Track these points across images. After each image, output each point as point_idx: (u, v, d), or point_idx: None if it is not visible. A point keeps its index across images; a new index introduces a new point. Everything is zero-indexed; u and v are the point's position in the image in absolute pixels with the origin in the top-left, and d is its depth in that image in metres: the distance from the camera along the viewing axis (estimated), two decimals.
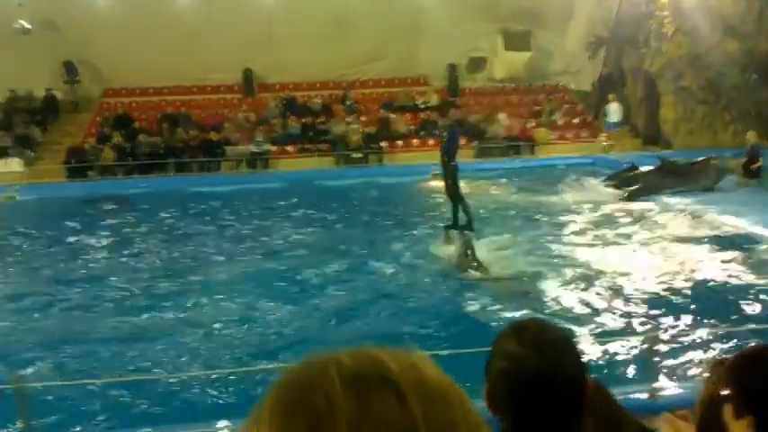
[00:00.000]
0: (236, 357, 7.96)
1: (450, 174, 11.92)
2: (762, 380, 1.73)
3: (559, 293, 9.70)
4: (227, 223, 15.97)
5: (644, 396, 5.71)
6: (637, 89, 25.17)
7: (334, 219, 15.98)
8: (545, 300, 9.50)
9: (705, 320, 8.53)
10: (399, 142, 24.66)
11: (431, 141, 24.76)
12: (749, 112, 22.14)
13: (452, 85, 27.86)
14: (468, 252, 11.01)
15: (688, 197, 16.03)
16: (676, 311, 8.71)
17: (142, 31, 24.45)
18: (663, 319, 8.51)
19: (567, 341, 1.71)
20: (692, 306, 8.96)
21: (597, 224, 14.23)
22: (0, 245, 14.82)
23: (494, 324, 8.25)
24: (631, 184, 17.37)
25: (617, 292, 9.73)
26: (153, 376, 7.36)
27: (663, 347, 7.14)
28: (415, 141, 24.81)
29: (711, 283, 9.93)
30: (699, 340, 7.73)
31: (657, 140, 23.81)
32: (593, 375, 1.80)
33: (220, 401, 6.83)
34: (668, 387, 6.07)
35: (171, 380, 7.31)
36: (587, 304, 9.27)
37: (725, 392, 1.75)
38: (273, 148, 23.99)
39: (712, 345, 7.53)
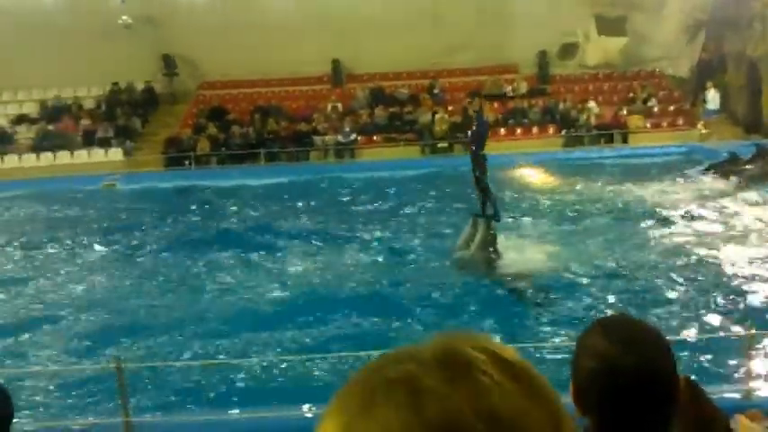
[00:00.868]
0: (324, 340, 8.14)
1: (479, 164, 11.63)
2: None
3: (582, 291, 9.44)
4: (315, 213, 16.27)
5: (737, 396, 5.52)
6: (738, 75, 24.00)
7: (396, 207, 15.94)
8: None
9: None
10: None
11: (519, 130, 24.47)
12: None
13: (542, 72, 27.33)
14: (490, 242, 10.99)
15: None
16: None
17: (237, 26, 25.16)
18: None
19: (658, 337, 1.65)
20: None
21: (693, 217, 13.68)
22: (101, 230, 15.61)
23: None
24: (738, 173, 16.59)
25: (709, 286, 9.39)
26: (245, 360, 7.62)
27: (761, 346, 6.84)
28: (502, 130, 24.52)
29: None
30: None
31: (759, 128, 22.65)
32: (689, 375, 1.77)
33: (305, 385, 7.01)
34: (763, 387, 5.84)
35: (261, 363, 7.53)
36: (666, 300, 8.99)
37: None
38: (360, 138, 24.24)
39: None
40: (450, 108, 25.50)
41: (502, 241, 11.56)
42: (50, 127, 25.17)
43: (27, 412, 6.19)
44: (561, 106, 24.90)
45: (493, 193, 11.79)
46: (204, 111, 26.16)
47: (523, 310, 9.35)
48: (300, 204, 17.29)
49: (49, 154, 24.02)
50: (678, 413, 1.62)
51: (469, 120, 24.42)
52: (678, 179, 17.84)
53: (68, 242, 14.54)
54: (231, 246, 13.40)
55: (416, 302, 9.44)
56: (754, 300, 8.97)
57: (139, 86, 27.05)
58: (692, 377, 1.87)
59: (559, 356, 6.37)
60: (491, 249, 11.02)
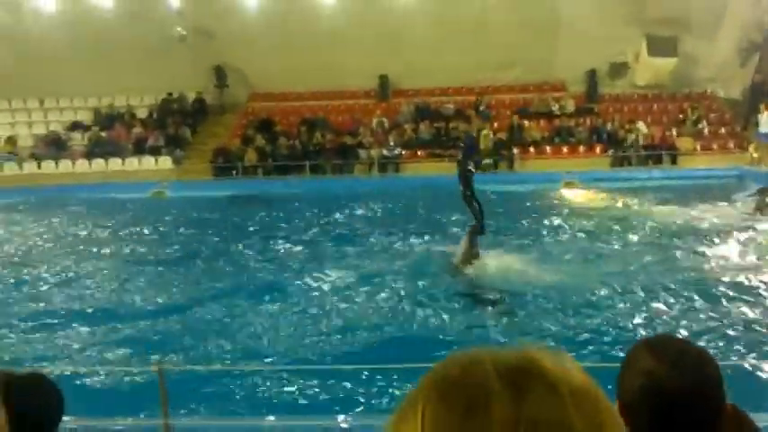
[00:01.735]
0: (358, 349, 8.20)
1: (464, 179, 12.08)
2: None
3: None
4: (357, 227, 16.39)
5: None
6: None
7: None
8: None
9: None
10: (531, 149, 24.32)
11: (565, 149, 24.30)
12: None
13: (591, 91, 27.11)
14: (474, 254, 11.41)
15: None
16: None
17: (286, 39, 25.58)
18: None
19: (706, 357, 1.64)
20: None
21: (722, 243, 13.34)
22: (149, 236, 15.98)
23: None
24: None
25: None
26: (285, 367, 7.71)
27: None
28: (548, 148, 24.39)
29: None
30: None
31: None
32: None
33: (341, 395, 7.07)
34: None
35: (302, 371, 7.61)
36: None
37: None
38: (404, 153, 24.35)
39: None
40: (495, 125, 25.45)
41: (499, 256, 11.97)
42: (103, 134, 25.89)
43: (69, 410, 6.35)
44: (609, 126, 24.65)
45: (476, 207, 12.16)
46: (253, 122, 26.59)
47: (482, 321, 9.44)
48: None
49: (101, 161, 24.70)
50: None
51: (515, 135, 24.44)
52: (723, 204, 17.47)
53: (117, 248, 14.91)
54: (278, 254, 13.61)
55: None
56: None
57: (191, 97, 27.63)
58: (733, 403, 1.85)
59: None
60: (473, 262, 11.45)
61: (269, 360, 8.16)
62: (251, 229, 16.56)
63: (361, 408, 6.78)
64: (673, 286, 10.61)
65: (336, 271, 12.04)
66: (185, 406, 6.87)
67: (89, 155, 25.10)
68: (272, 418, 6.27)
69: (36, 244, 15.68)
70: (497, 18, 25.36)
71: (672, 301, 10.03)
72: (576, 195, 19.81)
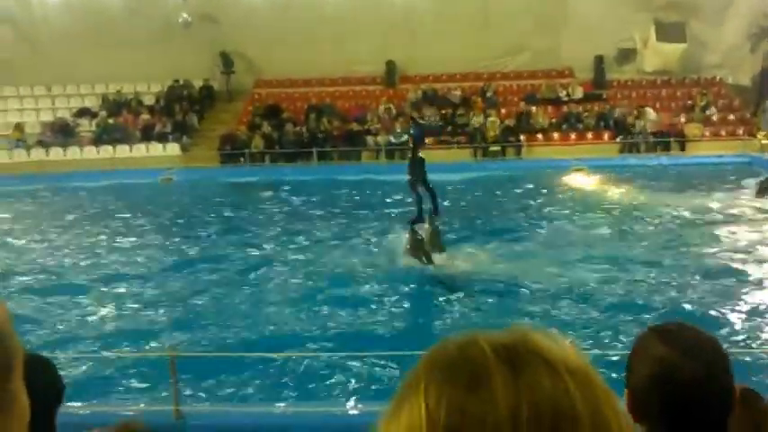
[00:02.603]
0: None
1: (414, 168, 12.19)
2: None
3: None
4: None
5: None
6: None
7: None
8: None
9: None
10: (539, 136, 24.26)
11: (573, 136, 24.22)
12: None
13: (599, 78, 26.98)
14: (419, 242, 11.65)
15: None
16: None
17: (293, 25, 25.50)
18: None
19: (717, 345, 1.62)
20: None
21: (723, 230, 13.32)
22: (158, 223, 16.03)
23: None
24: None
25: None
26: (295, 354, 7.77)
27: None
28: (555, 135, 24.32)
29: None
30: None
31: None
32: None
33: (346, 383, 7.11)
34: None
35: (312, 358, 7.66)
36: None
37: None
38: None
39: None
40: (503, 111, 25.37)
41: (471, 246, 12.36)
42: (111, 121, 25.91)
43: (79, 397, 6.40)
44: (617, 112, 24.55)
45: (419, 196, 12.30)
46: (259, 109, 26.56)
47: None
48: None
49: (109, 147, 24.74)
50: (736, 422, 1.60)
51: (523, 122, 24.38)
52: (731, 190, 17.42)
53: (125, 234, 14.98)
54: (287, 240, 13.66)
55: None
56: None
57: (198, 83, 27.62)
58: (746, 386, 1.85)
59: None
60: (421, 253, 11.60)
61: (279, 347, 8.21)
62: (259, 215, 16.60)
63: (366, 395, 6.82)
64: (677, 272, 10.63)
65: (334, 257, 12.11)
66: (196, 392, 6.93)
67: (97, 141, 25.13)
68: (281, 404, 6.33)
69: (43, 230, 15.75)
70: (505, 4, 25.24)
71: (677, 286, 10.05)
72: (583, 182, 19.77)
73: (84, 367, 7.67)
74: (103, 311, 9.81)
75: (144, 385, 7.23)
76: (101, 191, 20.42)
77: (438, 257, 11.50)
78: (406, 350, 7.36)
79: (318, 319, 9.14)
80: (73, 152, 24.76)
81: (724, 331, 8.04)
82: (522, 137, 23.80)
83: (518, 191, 18.80)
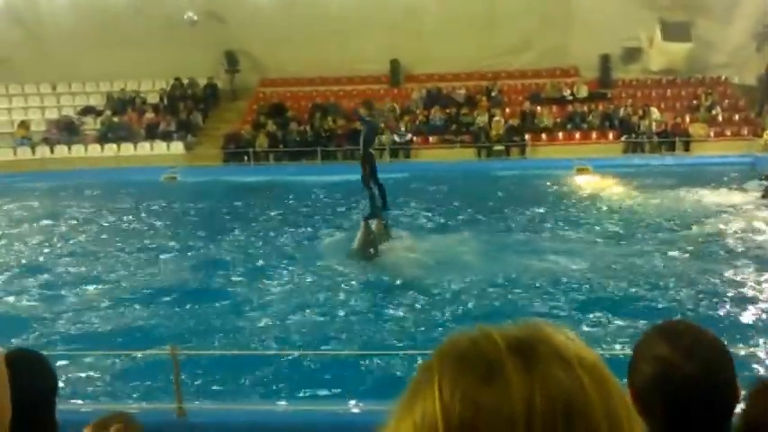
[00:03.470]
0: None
1: (365, 164, 12.71)
2: None
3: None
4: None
5: None
6: None
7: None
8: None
9: None
10: (543, 135, 24.22)
11: (577, 135, 24.18)
12: None
13: (604, 77, 26.91)
14: (371, 237, 11.99)
15: None
16: None
17: (298, 24, 25.51)
18: None
19: (719, 343, 1.63)
20: None
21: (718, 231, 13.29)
22: (162, 221, 16.05)
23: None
24: None
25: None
26: (297, 352, 7.77)
27: None
28: (560, 135, 24.28)
29: None
30: None
31: None
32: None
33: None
34: None
35: (314, 357, 7.66)
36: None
37: None
38: (416, 139, 24.30)
39: None
40: (507, 110, 25.34)
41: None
42: (115, 119, 25.95)
43: (83, 395, 6.41)
44: (622, 112, 24.50)
45: (374, 192, 12.70)
46: (264, 107, 26.57)
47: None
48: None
49: (114, 145, 24.78)
50: (755, 416, 1.62)
51: (528, 122, 24.35)
52: (735, 190, 17.37)
53: (129, 232, 15.01)
54: (289, 238, 13.68)
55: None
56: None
57: (202, 82, 27.64)
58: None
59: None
60: (371, 248, 11.97)
61: (281, 345, 8.21)
62: (260, 214, 16.61)
63: (370, 393, 6.82)
64: (678, 272, 10.61)
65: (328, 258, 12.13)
66: (198, 390, 6.94)
67: (101, 139, 25.18)
68: (283, 403, 6.33)
69: (47, 228, 15.79)
70: (511, 2, 25.18)
71: (676, 286, 10.03)
72: (587, 182, 19.75)
73: (86, 365, 7.68)
74: (106, 309, 9.82)
75: (147, 383, 7.23)
76: (104, 188, 20.45)
77: (386, 248, 12.00)
78: (413, 349, 7.42)
79: (323, 317, 9.14)
80: (77, 150, 24.81)
81: (728, 331, 8.01)
82: (526, 136, 23.77)
83: (521, 190, 18.76)
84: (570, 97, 25.79)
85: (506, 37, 26.07)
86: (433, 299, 9.72)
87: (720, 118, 24.26)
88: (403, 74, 27.76)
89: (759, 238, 12.78)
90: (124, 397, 7.01)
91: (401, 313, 9.24)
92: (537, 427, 0.65)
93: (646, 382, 1.57)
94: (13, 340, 7.83)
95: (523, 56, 27.10)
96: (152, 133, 25.39)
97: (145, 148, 24.84)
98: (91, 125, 26.25)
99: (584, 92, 25.93)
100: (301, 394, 6.78)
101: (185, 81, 27.55)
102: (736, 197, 16.56)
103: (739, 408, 1.65)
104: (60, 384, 2.10)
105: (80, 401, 6.11)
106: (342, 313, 9.35)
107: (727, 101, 25.34)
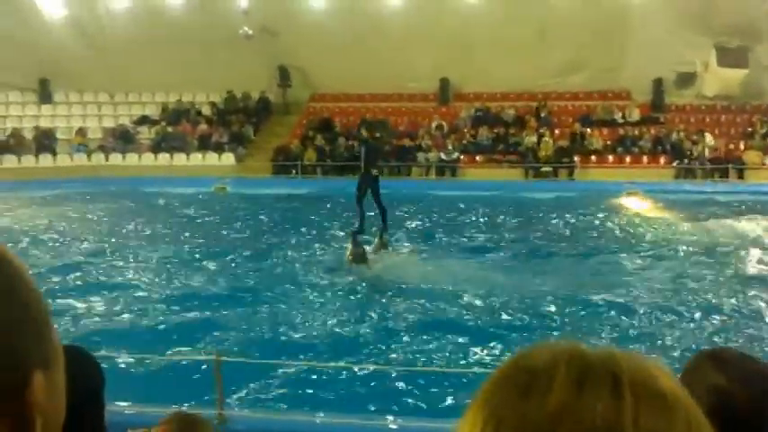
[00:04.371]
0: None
1: (361, 183, 12.97)
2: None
3: None
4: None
5: None
6: None
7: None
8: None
9: None
10: (593, 157, 23.97)
11: (628, 158, 23.87)
12: None
13: (657, 101, 26.55)
14: (360, 253, 12.35)
15: None
16: None
17: (350, 41, 25.80)
18: None
19: None
20: None
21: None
22: (212, 230, 16.32)
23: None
24: None
25: None
26: (342, 364, 7.81)
27: None
28: (610, 158, 24.00)
29: None
30: None
31: None
32: None
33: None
34: None
35: (358, 370, 7.69)
36: None
37: None
38: (462, 157, 24.30)
39: None
40: (557, 132, 25.17)
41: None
42: (170, 129, 26.56)
43: (124, 397, 6.53)
44: (674, 136, 24.11)
45: (363, 210, 12.97)
46: (313, 122, 26.89)
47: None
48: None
49: (167, 155, 25.35)
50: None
51: (577, 143, 24.14)
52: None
53: (178, 239, 15.29)
54: (338, 248, 13.78)
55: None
56: None
57: (255, 95, 28.12)
58: None
59: None
60: (362, 262, 12.27)
61: (323, 356, 8.26)
62: (308, 226, 16.76)
63: (410, 408, 6.81)
64: (723, 302, 10.36)
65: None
66: (240, 397, 7.02)
67: (155, 149, 25.79)
68: (322, 414, 6.36)
69: (98, 232, 16.19)
70: (563, 23, 25.04)
71: (723, 314, 9.80)
72: (635, 205, 19.45)
73: (130, 367, 7.83)
74: (152, 313, 10.01)
75: (189, 388, 7.34)
76: (156, 196, 20.90)
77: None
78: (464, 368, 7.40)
79: (370, 329, 9.16)
80: (131, 158, 25.44)
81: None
82: (575, 158, 23.55)
83: (566, 212, 18.56)
84: (621, 120, 25.50)
85: (558, 58, 25.92)
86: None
87: None
88: (452, 92, 27.82)
89: None
90: (166, 401, 7.12)
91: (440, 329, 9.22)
92: None
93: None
94: (63, 340, 8.01)
95: (575, 77, 26.90)
96: (204, 144, 25.90)
97: (197, 158, 25.36)
98: (145, 134, 26.93)
99: (635, 115, 25.62)
100: (343, 407, 6.80)
101: (239, 94, 28.07)
102: None
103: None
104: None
105: (122, 403, 6.21)
106: (381, 327, 9.37)
107: None
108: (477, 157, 24.45)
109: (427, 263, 12.82)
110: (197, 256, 13.68)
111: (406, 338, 8.84)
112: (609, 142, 24.60)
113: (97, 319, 9.81)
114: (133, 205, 19.83)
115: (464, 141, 25.04)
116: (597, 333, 8.98)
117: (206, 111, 27.99)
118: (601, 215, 18.12)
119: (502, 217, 17.72)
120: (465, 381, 6.94)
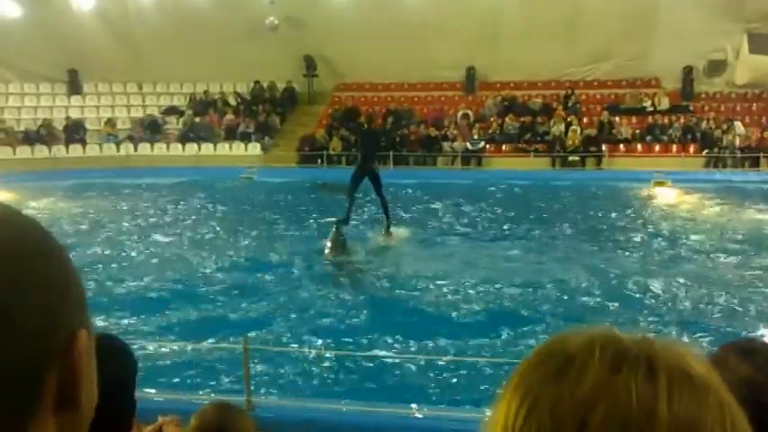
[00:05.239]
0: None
1: (358, 175, 13.27)
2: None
3: None
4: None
5: None
6: None
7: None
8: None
9: None
10: (621, 146, 23.72)
11: (657, 147, 23.59)
12: None
13: (686, 89, 26.16)
14: (342, 242, 12.46)
15: None
16: None
17: (375, 30, 25.71)
18: None
19: None
20: None
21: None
22: (240, 219, 16.47)
23: None
24: None
25: None
26: (372, 353, 7.86)
27: None
28: (639, 146, 23.73)
29: None
30: None
31: None
32: None
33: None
34: None
35: (387, 359, 7.74)
36: None
37: None
38: (489, 147, 24.18)
39: None
40: (584, 120, 24.93)
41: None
42: (197, 119, 26.76)
43: (153, 383, 6.62)
44: (704, 125, 23.77)
45: (352, 199, 13.17)
46: (338, 112, 26.91)
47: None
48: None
49: (194, 145, 25.57)
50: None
51: (605, 132, 23.89)
52: None
53: (206, 228, 15.45)
54: (364, 239, 13.86)
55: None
56: None
57: (281, 85, 28.21)
58: None
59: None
60: (341, 253, 12.33)
61: (350, 345, 8.31)
62: (334, 215, 16.81)
63: (438, 398, 6.84)
64: (753, 291, 10.24)
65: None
66: (268, 384, 7.11)
67: (183, 139, 26.02)
68: (350, 402, 6.41)
69: (128, 221, 16.42)
70: (590, 11, 24.70)
71: (750, 305, 9.69)
72: (665, 195, 19.24)
73: (159, 354, 7.95)
74: (181, 301, 10.13)
75: (217, 375, 7.44)
76: (184, 186, 21.11)
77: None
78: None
79: (399, 320, 9.19)
80: (159, 148, 25.70)
81: None
82: (603, 147, 23.33)
83: (594, 201, 18.43)
84: (651, 109, 25.18)
85: (588, 45, 25.61)
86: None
87: None
88: (478, 81, 27.66)
89: None
90: (194, 387, 7.22)
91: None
92: None
93: None
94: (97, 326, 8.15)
95: (603, 65, 26.60)
96: (231, 134, 26.07)
97: (224, 148, 25.55)
98: (173, 125, 27.17)
99: (665, 103, 25.27)
100: (373, 395, 6.84)
101: (265, 84, 28.18)
102: None
103: None
104: None
105: (150, 390, 6.31)
106: (399, 316, 9.41)
107: None
108: (504, 147, 24.32)
109: (442, 252, 12.83)
110: (226, 244, 13.81)
111: (427, 329, 8.84)
112: (638, 131, 24.31)
113: (127, 307, 9.95)
114: (162, 195, 20.03)
115: (490, 131, 24.90)
116: (631, 321, 8.93)
117: (232, 101, 28.14)
118: (629, 204, 17.97)
119: (526, 207, 17.61)
120: (503, 371, 6.94)
